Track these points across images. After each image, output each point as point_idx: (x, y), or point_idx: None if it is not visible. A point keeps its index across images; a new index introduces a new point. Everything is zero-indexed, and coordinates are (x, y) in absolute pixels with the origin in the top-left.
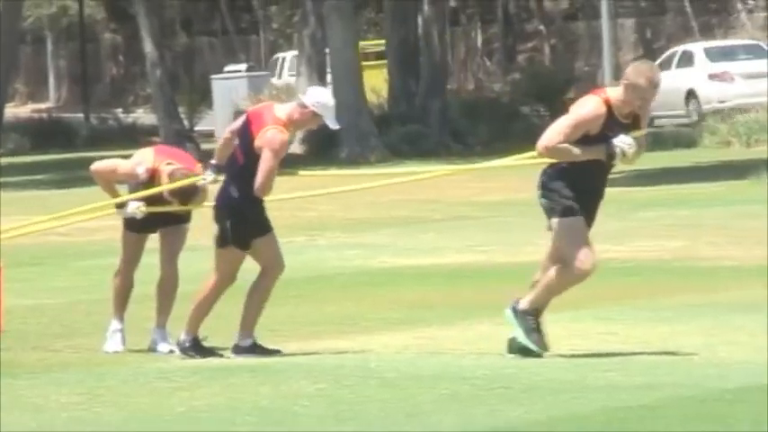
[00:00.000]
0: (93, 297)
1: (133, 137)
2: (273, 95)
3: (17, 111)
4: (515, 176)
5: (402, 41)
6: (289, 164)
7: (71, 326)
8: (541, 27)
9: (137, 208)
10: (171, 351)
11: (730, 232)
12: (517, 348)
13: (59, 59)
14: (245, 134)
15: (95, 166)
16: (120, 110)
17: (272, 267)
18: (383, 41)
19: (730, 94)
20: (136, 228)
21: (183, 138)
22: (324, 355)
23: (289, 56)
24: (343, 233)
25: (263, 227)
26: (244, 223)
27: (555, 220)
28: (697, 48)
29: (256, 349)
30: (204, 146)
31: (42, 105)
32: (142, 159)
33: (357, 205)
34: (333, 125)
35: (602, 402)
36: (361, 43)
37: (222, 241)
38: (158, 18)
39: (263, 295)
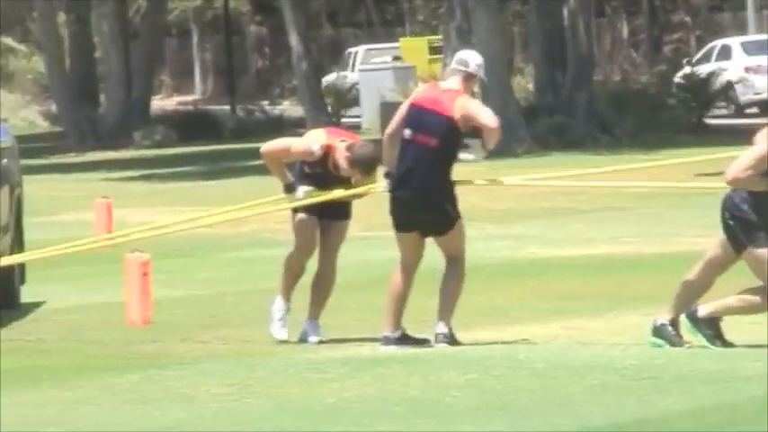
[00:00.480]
0: (239, 288)
1: (280, 129)
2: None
3: (163, 103)
4: (661, 169)
5: (548, 33)
6: None
7: (219, 317)
8: (687, 18)
9: (305, 192)
10: (321, 342)
11: None
12: (662, 335)
13: (205, 52)
14: (431, 118)
15: (267, 146)
16: (266, 102)
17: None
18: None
19: (766, 86)
20: (307, 210)
21: None
22: (473, 346)
23: (361, 50)
24: (491, 224)
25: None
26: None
27: (753, 252)
28: (734, 42)
29: (406, 340)
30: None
31: (188, 98)
32: (315, 138)
33: (504, 196)
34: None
35: (751, 392)
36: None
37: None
38: (304, 10)
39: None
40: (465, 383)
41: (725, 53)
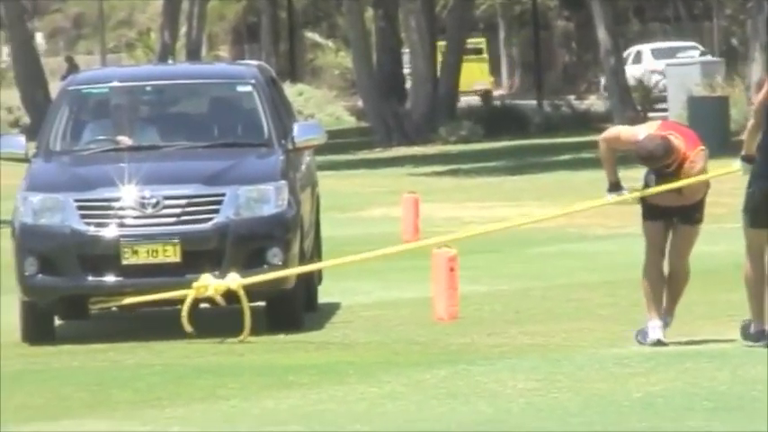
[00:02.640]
0: (546, 284)
1: (586, 124)
2: (727, 82)
3: (469, 99)
4: None
5: None
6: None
7: (525, 312)
8: None
9: (626, 191)
10: (659, 341)
11: None
12: None
13: (511, 47)
14: None
15: (603, 134)
16: (572, 97)
17: None
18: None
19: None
20: (651, 216)
21: (636, 124)
22: None
23: None
24: None
25: None
26: None
27: None
28: (645, 48)
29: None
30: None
31: (495, 93)
32: (646, 127)
33: None
34: None
35: None
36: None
37: None
38: (612, 5)
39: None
40: None
41: (638, 57)
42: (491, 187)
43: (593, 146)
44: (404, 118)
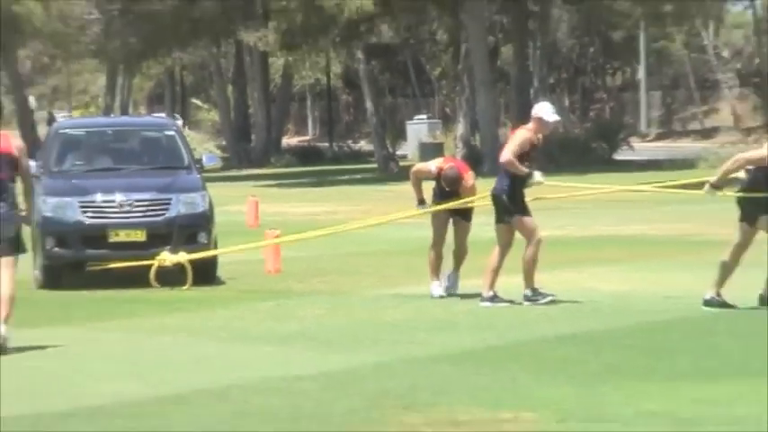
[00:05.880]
0: (333, 253)
1: (359, 157)
2: (443, 134)
3: (288, 140)
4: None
5: (522, 104)
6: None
7: (324, 269)
8: (604, 95)
9: (428, 206)
10: (441, 296)
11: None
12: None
13: (315, 110)
14: None
15: (414, 167)
16: (350, 141)
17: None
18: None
19: None
20: (441, 211)
21: (389, 159)
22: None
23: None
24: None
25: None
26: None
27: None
28: None
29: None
30: (402, 163)
31: (305, 137)
32: (435, 162)
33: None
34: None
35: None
36: None
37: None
38: (375, 85)
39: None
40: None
41: None
42: (302, 194)
43: (361, 171)
44: (250, 152)
